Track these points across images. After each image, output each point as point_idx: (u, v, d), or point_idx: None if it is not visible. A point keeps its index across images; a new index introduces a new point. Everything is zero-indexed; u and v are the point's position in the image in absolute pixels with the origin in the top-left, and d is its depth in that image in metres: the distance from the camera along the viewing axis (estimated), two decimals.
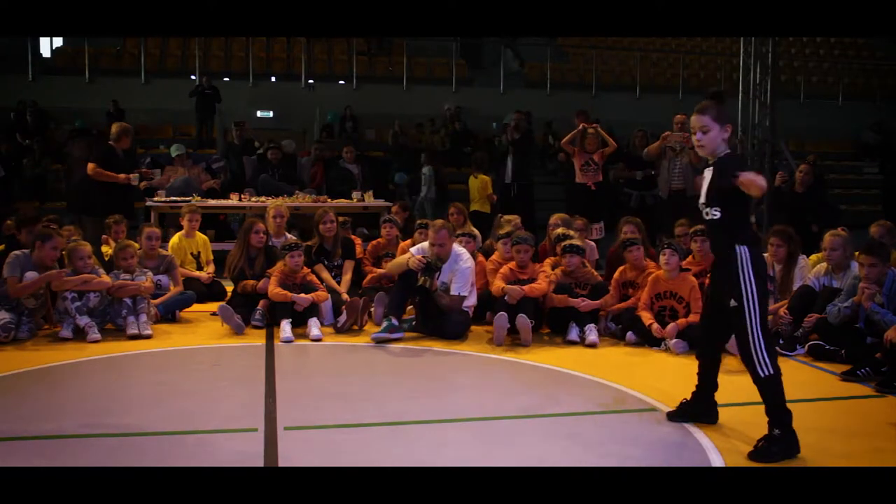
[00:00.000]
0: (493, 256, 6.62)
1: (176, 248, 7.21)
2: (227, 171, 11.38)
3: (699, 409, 3.95)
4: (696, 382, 3.98)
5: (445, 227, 6.09)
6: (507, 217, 7.38)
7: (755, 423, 4.05)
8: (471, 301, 6.06)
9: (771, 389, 3.55)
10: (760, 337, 3.53)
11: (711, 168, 3.65)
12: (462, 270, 5.98)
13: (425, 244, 6.15)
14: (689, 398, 4.01)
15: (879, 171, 16.35)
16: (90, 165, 8.08)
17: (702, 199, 3.69)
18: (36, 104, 13.94)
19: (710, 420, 3.93)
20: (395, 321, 5.74)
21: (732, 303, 3.57)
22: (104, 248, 7.02)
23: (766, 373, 3.52)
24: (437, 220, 6.55)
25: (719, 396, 4.00)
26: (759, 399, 4.43)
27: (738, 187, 3.38)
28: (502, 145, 11.54)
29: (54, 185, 12.02)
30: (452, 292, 5.95)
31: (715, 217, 3.62)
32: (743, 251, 3.56)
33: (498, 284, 6.00)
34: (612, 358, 5.47)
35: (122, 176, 8.07)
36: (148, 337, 5.76)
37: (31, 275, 5.73)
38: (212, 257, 7.48)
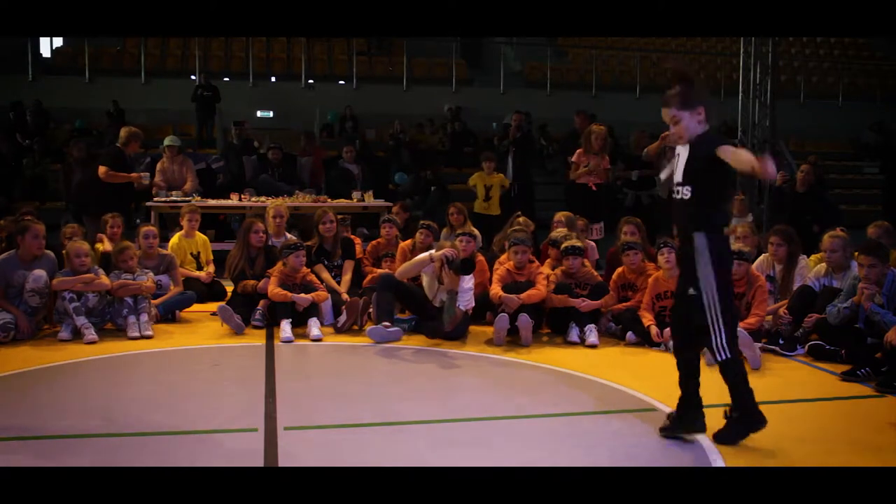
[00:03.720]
0: (502, 258, 6.50)
1: (176, 248, 7.21)
2: (227, 172, 11.38)
3: (688, 419, 3.76)
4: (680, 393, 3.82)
5: (453, 245, 6.06)
6: (522, 219, 7.29)
7: None
8: (468, 306, 6.04)
9: (730, 370, 3.58)
10: (721, 326, 3.49)
11: (686, 147, 3.54)
12: (464, 291, 5.92)
13: (432, 252, 6.12)
14: (675, 410, 3.85)
15: (880, 171, 16.34)
16: (101, 169, 8.18)
17: (677, 178, 3.56)
18: (41, 104, 13.95)
19: (699, 429, 3.74)
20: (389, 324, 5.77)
21: (691, 291, 3.51)
22: (98, 246, 7.01)
23: (724, 356, 3.53)
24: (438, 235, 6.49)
25: (720, 397, 3.97)
26: (759, 399, 4.44)
27: (714, 162, 3.33)
28: (501, 147, 11.54)
29: (54, 185, 12.02)
30: (457, 305, 5.91)
31: (685, 197, 3.51)
32: (700, 239, 3.47)
33: (495, 290, 5.99)
34: (612, 358, 5.47)
35: (135, 175, 8.34)
36: (149, 338, 5.76)
37: (38, 273, 5.73)
38: (212, 257, 7.48)
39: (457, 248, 5.99)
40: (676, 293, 3.78)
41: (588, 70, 17.97)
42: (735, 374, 3.60)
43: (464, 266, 5.78)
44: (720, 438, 3.64)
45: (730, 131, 14.43)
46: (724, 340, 3.51)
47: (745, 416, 3.60)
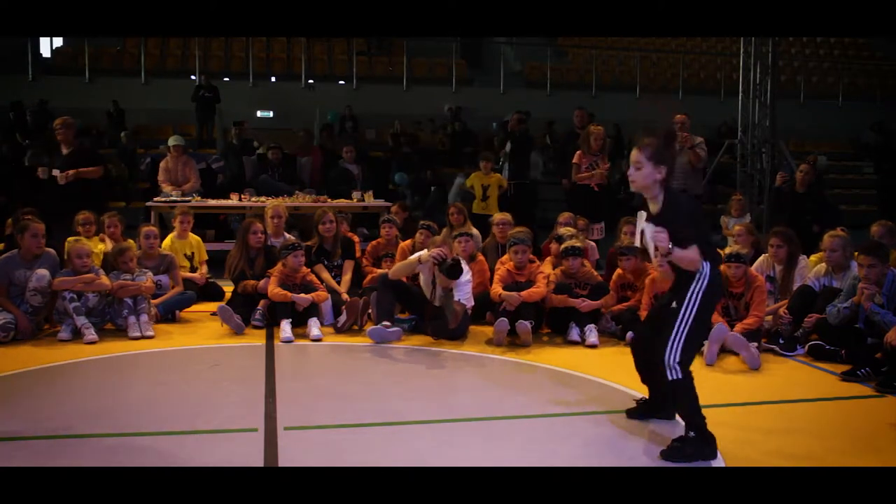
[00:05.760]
0: (504, 258, 6.46)
1: (169, 249, 7.17)
2: (227, 172, 11.37)
3: (657, 405, 3.96)
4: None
5: (447, 243, 6.07)
6: (499, 216, 7.29)
7: (755, 423, 4.07)
8: (468, 303, 6.04)
9: (681, 393, 3.55)
10: (680, 346, 3.48)
11: (648, 224, 3.52)
12: (462, 284, 5.92)
13: (421, 253, 6.13)
14: (647, 396, 4.03)
15: (874, 171, 16.36)
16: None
17: (662, 252, 3.48)
18: (45, 103, 13.92)
19: (668, 416, 3.93)
20: (389, 323, 5.77)
21: (674, 304, 3.54)
22: (101, 246, 7.01)
23: (675, 377, 3.50)
24: (438, 235, 6.50)
25: (719, 397, 3.99)
26: (759, 399, 4.47)
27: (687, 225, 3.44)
28: (499, 150, 11.51)
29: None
30: (455, 300, 5.91)
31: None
32: (706, 266, 3.50)
33: (496, 290, 5.99)
34: (612, 358, 5.47)
35: (41, 169, 7.80)
36: (150, 338, 5.77)
37: (41, 272, 5.73)
38: (206, 258, 7.45)
39: (451, 247, 5.96)
40: (661, 301, 3.79)
41: (588, 70, 17.97)
42: (688, 398, 3.55)
43: (451, 271, 5.74)
44: (671, 455, 3.48)
45: (730, 131, 14.45)
46: (676, 361, 3.48)
47: (702, 438, 3.51)
